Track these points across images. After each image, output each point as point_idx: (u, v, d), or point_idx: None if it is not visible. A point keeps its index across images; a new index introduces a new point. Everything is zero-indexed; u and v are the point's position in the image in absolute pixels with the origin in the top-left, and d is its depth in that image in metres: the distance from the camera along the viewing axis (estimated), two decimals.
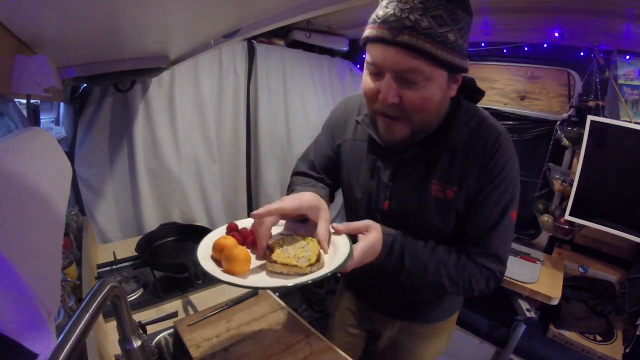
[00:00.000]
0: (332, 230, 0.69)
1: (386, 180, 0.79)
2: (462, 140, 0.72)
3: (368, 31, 0.64)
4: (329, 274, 0.57)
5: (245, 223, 0.73)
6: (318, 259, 0.60)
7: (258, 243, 0.64)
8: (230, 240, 0.63)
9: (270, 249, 0.63)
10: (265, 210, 0.64)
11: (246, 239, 0.67)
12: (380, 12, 0.62)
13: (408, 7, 0.58)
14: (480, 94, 0.78)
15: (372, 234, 0.69)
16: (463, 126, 0.72)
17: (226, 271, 0.58)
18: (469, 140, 0.72)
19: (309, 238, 0.67)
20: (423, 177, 0.75)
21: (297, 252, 0.62)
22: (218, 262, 0.62)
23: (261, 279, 0.59)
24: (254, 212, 0.64)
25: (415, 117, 0.66)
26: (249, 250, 0.64)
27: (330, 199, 0.91)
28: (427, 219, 0.76)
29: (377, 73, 0.65)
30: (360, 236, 0.69)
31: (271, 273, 0.60)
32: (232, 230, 0.70)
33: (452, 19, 0.59)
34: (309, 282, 0.56)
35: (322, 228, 0.67)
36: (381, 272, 0.73)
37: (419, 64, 0.60)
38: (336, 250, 0.65)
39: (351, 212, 0.94)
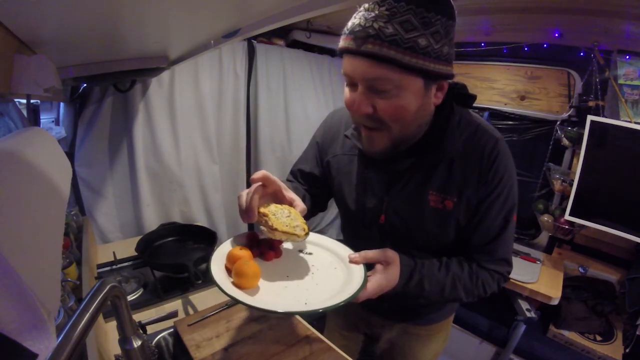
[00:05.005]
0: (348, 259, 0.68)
1: (380, 194, 0.78)
2: (458, 150, 0.71)
3: (340, 43, 0.65)
4: (341, 304, 0.56)
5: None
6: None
7: (250, 209, 0.62)
8: (244, 254, 0.63)
9: (263, 216, 0.62)
10: (260, 175, 0.65)
11: (264, 252, 0.68)
12: (349, 23, 0.63)
13: (373, 16, 0.58)
14: (471, 98, 0.75)
15: (391, 268, 0.66)
16: (458, 134, 0.71)
17: (235, 284, 0.58)
18: (465, 149, 0.71)
19: (285, 205, 0.67)
20: (419, 188, 0.74)
21: (287, 220, 0.63)
22: (230, 271, 0.62)
23: (272, 300, 0.57)
24: (253, 177, 0.64)
25: (393, 126, 0.66)
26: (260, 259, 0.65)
27: (320, 208, 0.93)
28: (425, 230, 0.75)
29: (352, 84, 0.66)
30: (377, 267, 0.66)
31: (281, 294, 0.60)
32: (251, 240, 0.70)
33: (423, 23, 0.57)
34: (320, 310, 0.55)
35: (294, 197, 0.68)
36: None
37: (386, 72, 0.59)
38: (351, 277, 0.64)
39: (347, 225, 0.94)
